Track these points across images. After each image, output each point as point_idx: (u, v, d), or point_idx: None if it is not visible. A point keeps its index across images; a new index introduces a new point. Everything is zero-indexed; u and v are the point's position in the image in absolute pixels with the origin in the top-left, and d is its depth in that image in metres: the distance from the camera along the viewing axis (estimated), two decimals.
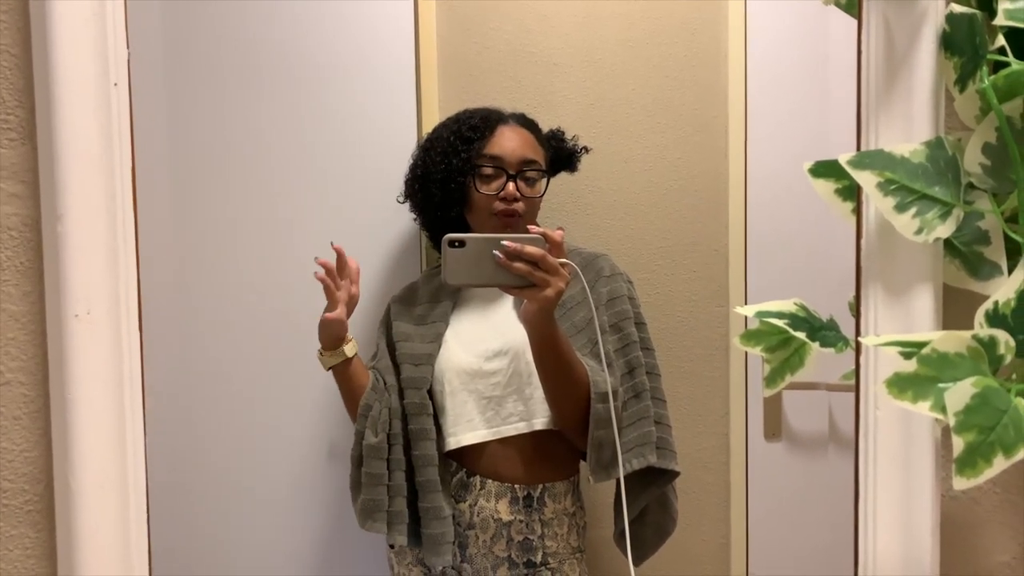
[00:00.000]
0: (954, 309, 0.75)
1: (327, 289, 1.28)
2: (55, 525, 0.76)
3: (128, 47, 0.75)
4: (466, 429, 1.32)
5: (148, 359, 0.78)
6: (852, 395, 1.56)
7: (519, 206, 1.34)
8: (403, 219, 1.50)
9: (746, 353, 1.63)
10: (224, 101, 1.50)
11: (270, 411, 1.53)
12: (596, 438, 1.22)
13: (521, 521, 1.30)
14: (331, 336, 1.32)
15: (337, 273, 1.30)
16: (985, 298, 0.70)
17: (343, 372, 1.35)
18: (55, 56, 0.73)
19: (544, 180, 1.38)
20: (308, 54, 1.52)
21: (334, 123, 1.54)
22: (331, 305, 1.29)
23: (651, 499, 1.35)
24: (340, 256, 1.30)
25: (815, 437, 1.65)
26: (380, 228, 1.56)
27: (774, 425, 1.65)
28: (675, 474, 1.34)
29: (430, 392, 1.34)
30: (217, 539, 1.52)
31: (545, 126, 1.45)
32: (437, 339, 1.36)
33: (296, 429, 1.55)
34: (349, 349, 1.34)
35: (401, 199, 1.45)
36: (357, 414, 1.35)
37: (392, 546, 1.37)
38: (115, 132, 0.73)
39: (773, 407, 1.65)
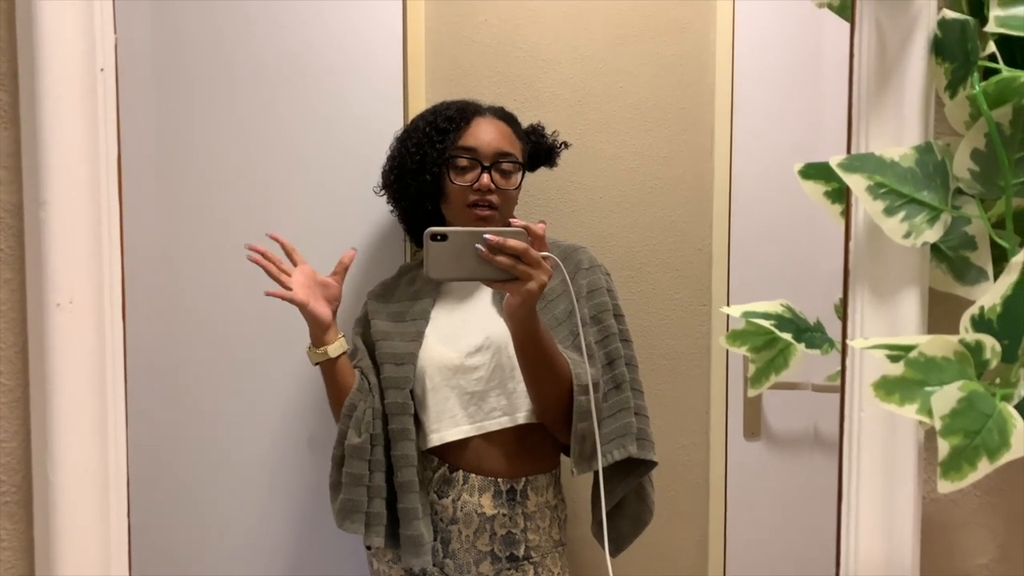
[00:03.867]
0: (939, 313, 0.76)
1: (268, 273, 1.27)
2: (33, 517, 0.74)
3: (115, 32, 0.73)
4: (449, 425, 1.32)
5: (128, 349, 0.77)
6: (832, 395, 1.57)
7: (493, 198, 1.33)
8: (387, 212, 1.49)
9: (727, 352, 1.64)
10: (209, 91, 1.48)
11: (251, 403, 1.52)
12: (579, 430, 1.23)
13: (504, 515, 1.30)
14: (315, 329, 1.30)
15: (289, 260, 1.30)
16: (970, 303, 0.70)
17: (328, 370, 1.33)
18: (40, 39, 0.71)
19: (520, 173, 1.37)
20: (294, 46, 1.51)
21: (320, 115, 1.52)
22: (289, 289, 1.27)
23: (629, 489, 1.36)
24: (283, 245, 1.30)
25: (794, 437, 1.67)
26: (364, 221, 1.55)
27: (754, 424, 1.66)
28: (653, 464, 1.34)
29: (411, 390, 1.33)
30: (196, 530, 1.51)
31: (532, 122, 1.45)
32: (418, 337, 1.35)
33: (276, 421, 1.54)
34: (333, 349, 1.31)
35: (378, 190, 1.44)
36: (341, 414, 1.33)
37: (369, 547, 1.36)
38: (101, 118, 0.72)
39: (753, 407, 1.66)
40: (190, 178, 1.48)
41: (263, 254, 1.27)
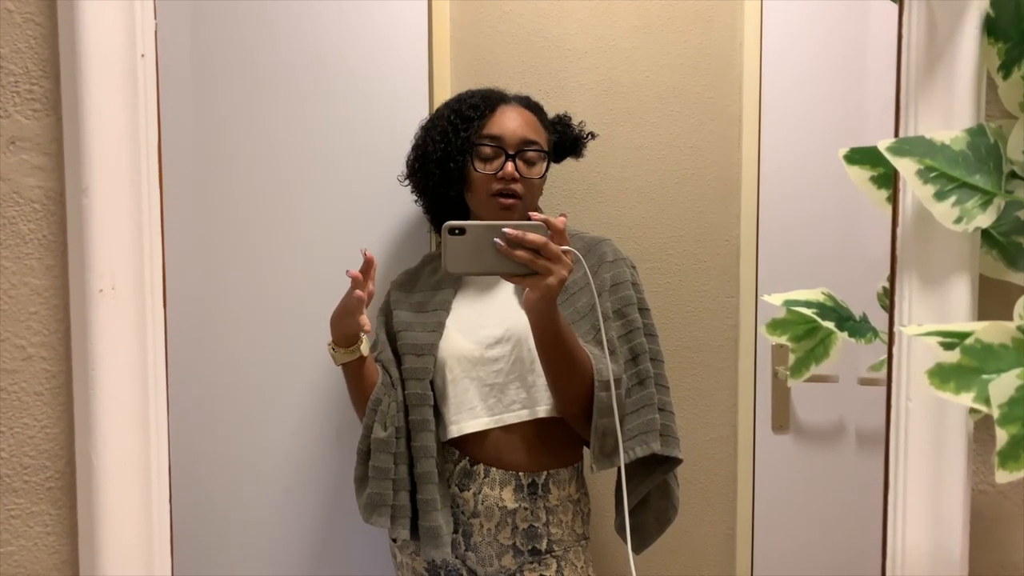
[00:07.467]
0: (990, 300, 0.74)
1: (359, 296, 1.21)
2: (76, 502, 0.75)
3: (155, 18, 0.73)
4: (468, 417, 1.31)
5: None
6: (862, 388, 1.55)
7: (518, 187, 1.31)
8: (411, 202, 1.49)
9: (755, 345, 1.63)
10: (240, 86, 1.49)
11: (279, 395, 1.53)
12: (599, 426, 1.21)
13: (526, 509, 1.30)
14: (346, 335, 1.29)
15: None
16: (1022, 289, 0.69)
17: (356, 370, 1.32)
18: (81, 26, 0.71)
19: (545, 162, 1.36)
20: (321, 38, 1.51)
21: (346, 106, 1.52)
22: (355, 307, 1.22)
23: (653, 486, 1.35)
24: (369, 262, 1.23)
25: (823, 430, 1.65)
26: (388, 210, 1.55)
27: (782, 417, 1.65)
28: (678, 461, 1.33)
29: (431, 382, 1.33)
30: (228, 518, 1.52)
31: (558, 112, 1.44)
32: (439, 328, 1.34)
33: (305, 412, 1.54)
34: (365, 348, 1.31)
35: (402, 179, 1.44)
36: (366, 409, 1.33)
37: (395, 540, 1.36)
38: (141, 104, 0.72)
39: (781, 399, 1.65)
40: (223, 171, 1.49)
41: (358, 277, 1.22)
